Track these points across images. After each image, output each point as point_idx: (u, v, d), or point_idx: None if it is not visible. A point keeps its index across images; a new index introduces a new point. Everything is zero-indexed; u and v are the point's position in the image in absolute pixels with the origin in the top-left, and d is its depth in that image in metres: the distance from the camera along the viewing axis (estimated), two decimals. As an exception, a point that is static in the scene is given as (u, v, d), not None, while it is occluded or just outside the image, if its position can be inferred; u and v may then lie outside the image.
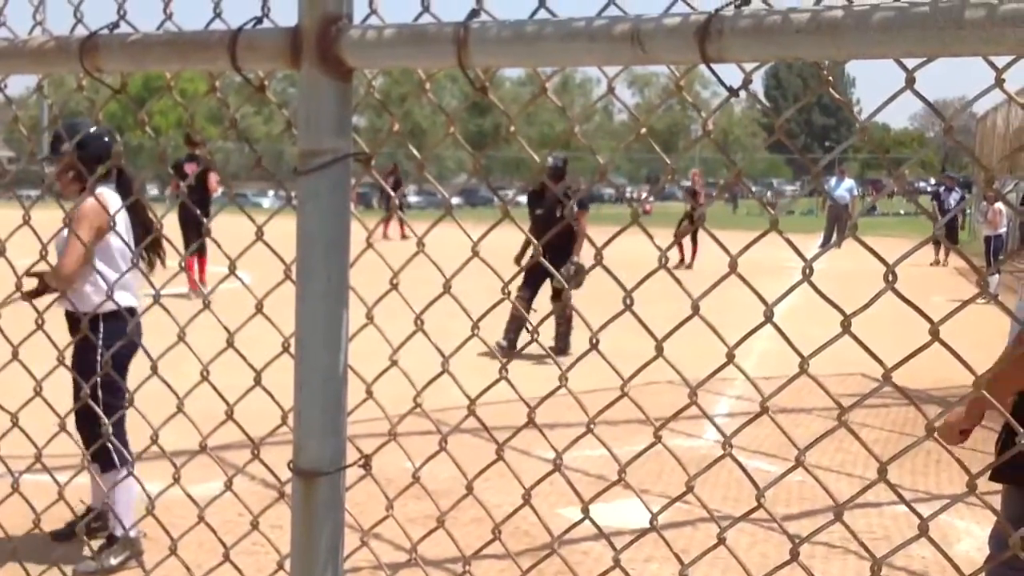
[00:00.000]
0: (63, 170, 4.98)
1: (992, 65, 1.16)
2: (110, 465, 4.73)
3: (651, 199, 54.53)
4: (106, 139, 5.12)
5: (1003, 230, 19.77)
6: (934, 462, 7.04)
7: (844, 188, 28.02)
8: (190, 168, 13.11)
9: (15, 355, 2.18)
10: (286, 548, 1.67)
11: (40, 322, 2.18)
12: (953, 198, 23.72)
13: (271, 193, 49.50)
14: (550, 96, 1.53)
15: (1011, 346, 3.15)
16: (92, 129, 5.01)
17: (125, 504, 4.79)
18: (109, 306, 4.22)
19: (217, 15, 1.73)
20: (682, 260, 20.98)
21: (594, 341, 1.56)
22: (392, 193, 1.79)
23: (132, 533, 4.87)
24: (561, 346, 9.69)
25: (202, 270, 13.10)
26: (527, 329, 7.21)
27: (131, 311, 4.79)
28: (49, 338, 2.16)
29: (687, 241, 21.17)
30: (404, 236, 25.28)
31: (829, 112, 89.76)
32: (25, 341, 2.17)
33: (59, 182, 4.99)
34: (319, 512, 1.59)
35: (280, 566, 1.77)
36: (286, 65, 1.57)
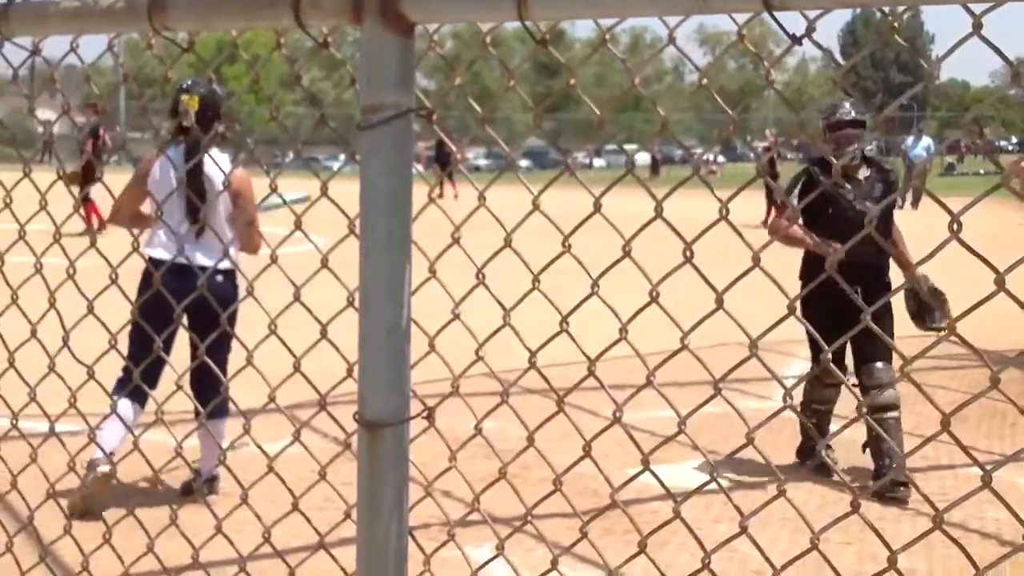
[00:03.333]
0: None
1: (1065, 9, 1.13)
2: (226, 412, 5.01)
3: (721, 160, 53.84)
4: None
5: None
6: (1009, 425, 6.92)
7: (922, 147, 27.44)
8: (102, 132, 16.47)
9: (90, 309, 2.23)
10: (354, 503, 1.69)
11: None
12: None
13: (342, 157, 49.72)
14: (612, 48, 1.52)
15: None
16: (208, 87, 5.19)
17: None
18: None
19: (281, -27, 1.74)
20: (766, 221, 20.77)
21: (654, 294, 1.56)
22: (453, 148, 1.79)
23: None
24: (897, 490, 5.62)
25: (95, 213, 15.94)
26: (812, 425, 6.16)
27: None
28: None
29: (763, 201, 20.93)
30: (456, 196, 25.69)
31: (907, 70, 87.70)
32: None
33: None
34: (384, 463, 1.61)
35: (347, 515, 1.81)
36: (348, 20, 1.58)
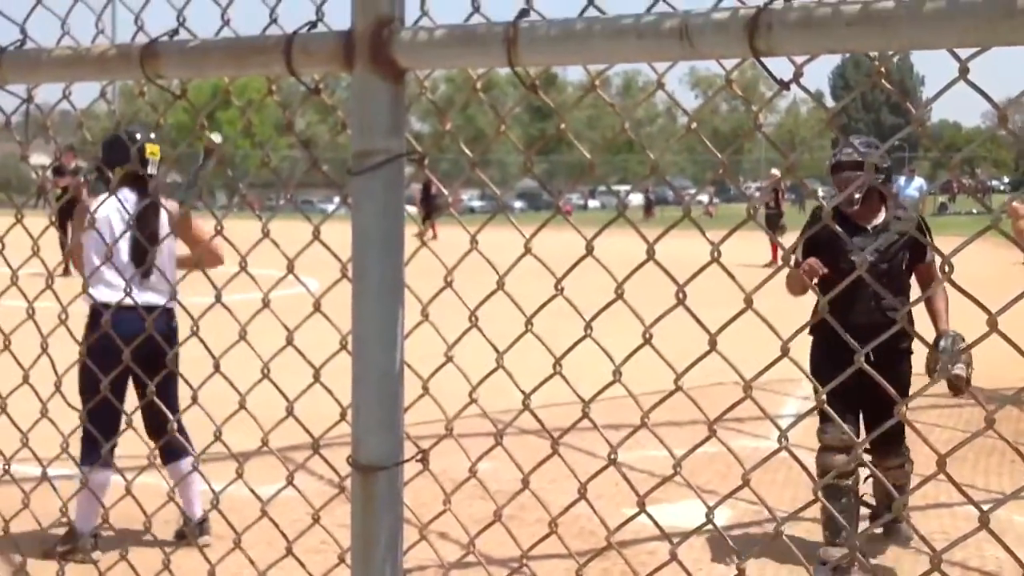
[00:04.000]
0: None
1: (1047, 51, 1.14)
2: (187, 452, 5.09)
3: (715, 201, 54.08)
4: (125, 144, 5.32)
5: None
6: (1008, 462, 6.90)
7: (914, 187, 27.55)
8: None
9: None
10: (349, 545, 1.69)
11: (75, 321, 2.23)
12: None
13: (336, 200, 49.93)
14: (601, 93, 1.54)
15: None
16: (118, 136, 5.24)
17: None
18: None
19: (273, 20, 1.77)
20: (774, 261, 20.84)
21: (647, 336, 1.57)
22: (445, 191, 1.80)
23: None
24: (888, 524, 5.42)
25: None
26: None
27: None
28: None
29: (767, 240, 21.02)
30: (434, 237, 26.18)
31: (899, 111, 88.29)
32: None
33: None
34: (378, 506, 1.61)
35: (341, 560, 1.80)
36: (340, 67, 1.59)
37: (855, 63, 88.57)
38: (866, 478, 5.40)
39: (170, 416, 2.34)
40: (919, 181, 29.09)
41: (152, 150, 5.34)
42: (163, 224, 5.15)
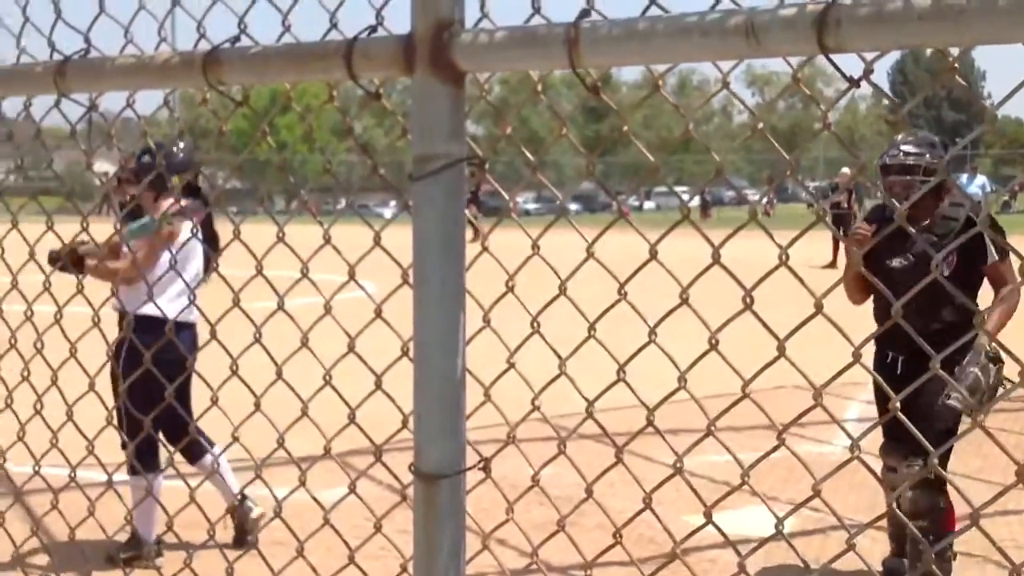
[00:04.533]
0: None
1: None
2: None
3: (773, 200, 53.59)
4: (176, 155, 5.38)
5: None
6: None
7: (976, 185, 27.10)
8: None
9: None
10: (411, 552, 1.68)
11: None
12: None
13: (392, 204, 50.30)
14: (664, 93, 1.51)
15: None
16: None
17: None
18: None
19: (333, 26, 1.76)
20: (834, 262, 20.61)
21: (713, 342, 1.54)
22: (506, 196, 1.79)
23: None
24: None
25: None
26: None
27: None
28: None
29: (832, 242, 20.79)
30: (475, 238, 26.18)
31: (959, 107, 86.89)
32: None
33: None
34: (441, 515, 1.60)
35: (404, 568, 1.79)
36: (400, 72, 1.58)
37: (915, 58, 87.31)
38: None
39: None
40: (982, 179, 28.62)
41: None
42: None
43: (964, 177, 28.30)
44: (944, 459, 4.49)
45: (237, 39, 1.86)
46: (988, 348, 4.29)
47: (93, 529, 2.58)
